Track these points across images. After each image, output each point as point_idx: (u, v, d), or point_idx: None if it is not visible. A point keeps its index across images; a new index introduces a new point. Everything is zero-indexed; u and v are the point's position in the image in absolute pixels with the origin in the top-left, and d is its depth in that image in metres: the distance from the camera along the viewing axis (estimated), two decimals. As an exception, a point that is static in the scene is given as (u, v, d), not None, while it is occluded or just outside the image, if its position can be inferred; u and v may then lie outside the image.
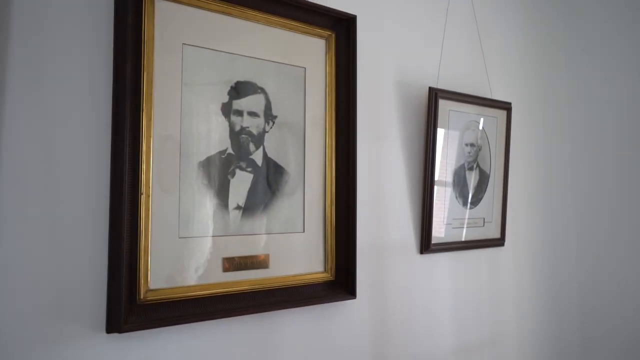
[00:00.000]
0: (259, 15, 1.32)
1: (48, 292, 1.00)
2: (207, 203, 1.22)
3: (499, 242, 2.02)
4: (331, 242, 1.44)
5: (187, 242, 1.18)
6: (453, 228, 1.84)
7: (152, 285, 1.11)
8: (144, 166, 1.11)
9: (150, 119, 1.12)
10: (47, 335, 1.00)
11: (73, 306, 1.03)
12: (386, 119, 1.67)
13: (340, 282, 1.45)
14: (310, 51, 1.44)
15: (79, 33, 1.08)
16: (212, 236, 1.22)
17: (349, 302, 1.48)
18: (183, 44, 1.20)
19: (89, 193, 1.07)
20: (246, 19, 1.31)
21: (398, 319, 1.64)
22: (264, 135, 1.33)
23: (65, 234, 1.03)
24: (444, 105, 1.77)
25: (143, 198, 1.10)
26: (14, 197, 0.98)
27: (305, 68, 1.43)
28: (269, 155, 1.33)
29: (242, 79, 1.29)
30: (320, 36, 1.46)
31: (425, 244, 1.73)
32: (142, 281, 1.09)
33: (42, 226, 1.01)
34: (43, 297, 1.00)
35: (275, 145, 1.35)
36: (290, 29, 1.39)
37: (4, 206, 0.97)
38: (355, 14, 1.50)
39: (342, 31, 1.49)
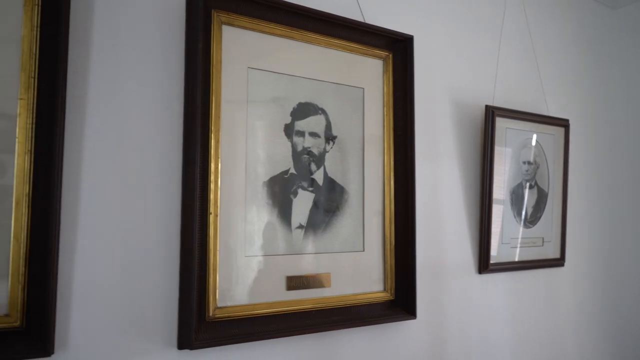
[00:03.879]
0: (319, 37, 1.35)
1: (123, 309, 1.04)
2: (271, 222, 1.24)
3: (558, 262, 1.97)
4: (390, 261, 1.43)
5: (253, 260, 1.20)
6: (511, 247, 1.81)
7: (219, 303, 1.13)
8: (212, 186, 1.14)
9: (218, 140, 1.16)
10: (122, 350, 1.03)
11: (146, 322, 1.06)
12: (442, 137, 1.66)
13: (400, 301, 1.43)
14: (368, 72, 1.46)
15: (151, 59, 1.13)
16: (276, 255, 1.24)
17: (408, 322, 1.47)
18: (248, 67, 1.23)
19: (160, 214, 1.10)
20: (307, 41, 1.34)
21: (456, 340, 1.62)
22: (324, 155, 1.34)
23: (139, 253, 1.07)
24: (500, 122, 1.75)
25: (211, 217, 1.13)
26: (93, 220, 1.02)
27: (363, 88, 1.44)
28: (330, 174, 1.35)
29: (303, 100, 1.32)
30: (378, 57, 1.47)
31: (484, 264, 1.70)
32: (210, 299, 1.11)
33: (117, 245, 1.05)
34: (119, 314, 1.03)
35: (335, 165, 1.36)
36: (349, 50, 1.42)
37: (85, 229, 1.01)
38: (412, 34, 1.51)
39: (399, 51, 1.50)
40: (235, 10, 1.21)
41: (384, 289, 1.42)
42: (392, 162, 1.47)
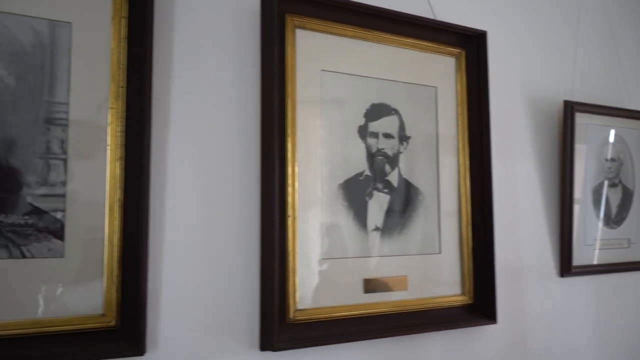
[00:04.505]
0: (391, 37, 1.33)
1: (208, 310, 1.07)
2: (347, 225, 1.23)
3: (647, 265, 1.85)
4: (468, 263, 1.39)
5: (330, 263, 1.20)
6: (594, 249, 1.71)
7: (299, 305, 1.14)
8: (289, 189, 1.14)
9: (295, 144, 1.17)
10: (208, 350, 1.06)
11: (229, 324, 1.08)
12: (518, 135, 1.60)
13: (478, 305, 1.39)
14: (441, 70, 1.43)
15: (228, 66, 1.15)
16: (353, 257, 1.23)
17: (488, 327, 1.42)
18: (321, 70, 1.24)
19: (240, 217, 1.12)
20: (378, 41, 1.32)
21: (539, 346, 1.55)
22: (398, 156, 1.33)
23: (221, 256, 1.09)
24: (580, 118, 1.67)
25: (289, 220, 1.14)
26: (177, 225, 1.06)
27: (436, 87, 1.41)
28: (404, 176, 1.33)
29: (376, 101, 1.31)
30: (451, 54, 1.44)
31: (566, 267, 1.62)
32: (290, 301, 1.12)
33: (201, 248, 1.08)
34: (203, 316, 1.06)
35: (410, 166, 1.34)
36: (421, 49, 1.39)
37: (170, 234, 1.05)
38: (485, 30, 1.46)
39: (472, 48, 1.46)
40: (307, 14, 1.21)
41: (462, 293, 1.38)
42: (467, 162, 1.43)
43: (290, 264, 1.13)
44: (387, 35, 1.33)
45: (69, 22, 0.96)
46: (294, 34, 1.20)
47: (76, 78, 0.96)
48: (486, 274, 1.39)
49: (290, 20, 1.19)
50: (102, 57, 0.99)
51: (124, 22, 1.00)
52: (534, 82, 1.66)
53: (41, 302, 0.91)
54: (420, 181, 1.36)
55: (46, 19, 0.94)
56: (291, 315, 1.12)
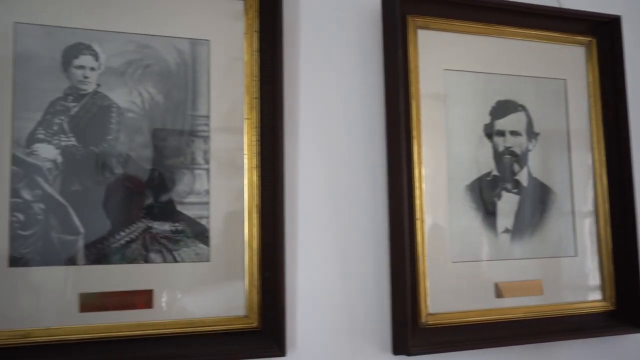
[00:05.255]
0: (514, 30, 1.28)
1: (341, 313, 1.09)
2: (476, 227, 1.19)
3: None
4: (608, 267, 1.29)
5: (460, 266, 1.17)
6: None
7: (430, 310, 1.12)
8: (417, 192, 1.13)
9: (420, 145, 1.15)
10: (342, 353, 1.08)
11: (361, 327, 1.10)
12: (660, 126, 1.46)
13: (622, 312, 1.28)
14: (569, 61, 1.34)
15: (352, 73, 1.17)
16: (483, 260, 1.19)
17: (634, 336, 1.31)
18: (444, 69, 1.21)
19: (369, 220, 1.13)
20: (501, 36, 1.27)
21: (693, 359, 1.40)
22: (527, 154, 1.26)
23: (351, 260, 1.11)
24: None
25: (418, 223, 1.12)
26: (309, 230, 1.09)
27: (565, 80, 1.33)
28: (534, 174, 1.26)
29: (502, 98, 1.26)
30: (580, 43, 1.35)
31: None
32: (422, 305, 1.10)
33: (332, 253, 1.10)
34: (337, 318, 1.08)
35: (540, 164, 1.27)
36: (547, 40, 1.32)
37: (303, 240, 1.08)
38: (619, 14, 1.35)
39: (604, 35, 1.36)
40: (428, 13, 1.19)
41: (603, 298, 1.29)
42: (602, 158, 1.33)
43: (421, 267, 1.11)
44: (510, 29, 1.27)
45: (207, 40, 1.03)
46: (415, 34, 1.18)
47: (215, 92, 1.02)
48: (630, 278, 1.28)
49: (412, 22, 1.17)
50: (237, 70, 1.04)
51: (255, 36, 1.05)
52: (676, 67, 1.51)
53: (191, 304, 0.97)
54: (552, 180, 1.28)
55: (187, 38, 1.01)
56: (423, 320, 1.10)
